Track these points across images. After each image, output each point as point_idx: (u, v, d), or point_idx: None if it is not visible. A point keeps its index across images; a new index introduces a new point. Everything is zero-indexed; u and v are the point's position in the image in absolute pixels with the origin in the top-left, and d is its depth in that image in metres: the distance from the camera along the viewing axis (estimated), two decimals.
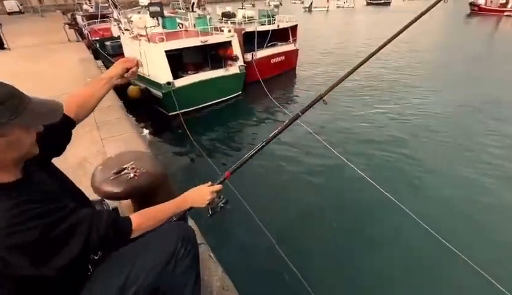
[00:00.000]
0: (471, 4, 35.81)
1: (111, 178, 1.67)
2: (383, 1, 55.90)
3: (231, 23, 11.93)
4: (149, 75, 8.29)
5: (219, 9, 14.45)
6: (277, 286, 3.12)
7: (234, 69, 9.36)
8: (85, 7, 20.60)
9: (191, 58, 9.43)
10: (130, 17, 10.74)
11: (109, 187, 1.63)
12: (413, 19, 1.46)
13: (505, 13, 31.39)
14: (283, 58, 12.12)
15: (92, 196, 1.72)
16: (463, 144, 6.43)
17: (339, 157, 3.30)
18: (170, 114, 8.25)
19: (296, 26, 12.65)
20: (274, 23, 11.86)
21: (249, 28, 10.77)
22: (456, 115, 8.00)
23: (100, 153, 3.10)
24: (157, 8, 9.57)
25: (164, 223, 1.09)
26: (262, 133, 7.76)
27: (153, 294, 1.03)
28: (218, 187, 1.25)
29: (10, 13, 30.00)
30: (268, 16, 11.85)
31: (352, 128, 7.34)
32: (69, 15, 23.91)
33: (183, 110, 8.07)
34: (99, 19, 15.61)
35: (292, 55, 12.77)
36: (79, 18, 18.73)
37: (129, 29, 9.99)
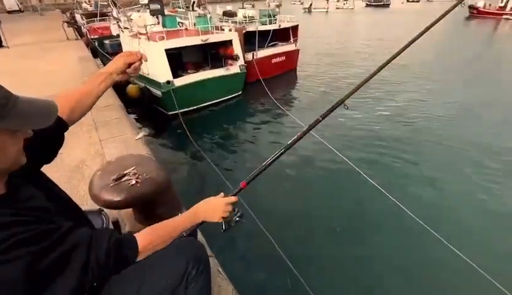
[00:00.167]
0: (470, 7, 35.93)
1: (111, 185, 1.53)
2: (382, 3, 56.01)
3: (232, 22, 11.82)
4: (148, 74, 8.16)
5: (219, 9, 14.33)
6: None
7: (234, 68, 9.24)
8: (84, 5, 20.46)
9: (191, 57, 9.32)
10: (130, 15, 10.60)
11: (108, 195, 1.49)
12: (431, 23, 1.37)
13: (504, 16, 31.51)
14: (284, 58, 12.02)
15: (90, 205, 1.59)
16: (466, 148, 6.32)
17: (347, 162, 3.17)
18: (170, 113, 8.13)
19: (297, 26, 12.57)
20: (275, 23, 11.78)
21: (250, 28, 10.68)
22: (457, 118, 7.92)
23: (98, 155, 2.96)
24: (158, 6, 9.44)
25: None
26: (264, 133, 7.64)
27: None
28: (233, 198, 1.10)
29: (9, 12, 29.82)
30: (269, 16, 11.75)
31: (361, 132, 7.13)
32: (68, 13, 23.73)
33: (183, 110, 7.94)
34: (98, 18, 15.45)
35: (293, 55, 12.67)
36: (78, 17, 18.56)
37: (128, 27, 9.86)
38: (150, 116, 8.41)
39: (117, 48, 10.75)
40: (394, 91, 10.08)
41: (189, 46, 8.49)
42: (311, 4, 47.30)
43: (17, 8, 30.95)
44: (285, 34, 12.21)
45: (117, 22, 11.03)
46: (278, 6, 13.42)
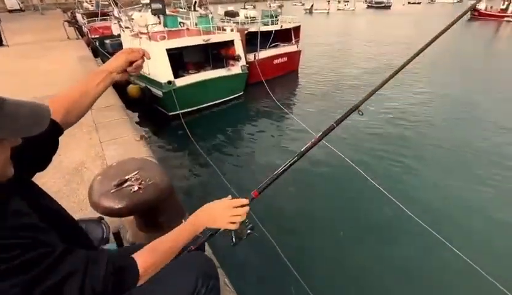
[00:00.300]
0: (472, 9, 35.90)
1: (112, 191, 1.45)
2: (383, 4, 56.03)
3: (234, 22, 11.76)
4: (149, 74, 8.09)
5: (221, 9, 14.28)
6: None
7: (236, 69, 9.17)
8: (85, 5, 20.43)
9: (192, 57, 9.26)
10: (131, 15, 10.54)
11: (109, 202, 1.41)
12: (445, 27, 1.32)
13: (505, 18, 31.51)
14: (285, 59, 11.95)
15: (90, 210, 1.51)
16: (469, 151, 6.24)
17: (353, 165, 3.09)
18: (171, 113, 8.06)
19: (299, 26, 12.50)
20: (277, 24, 11.71)
21: (252, 28, 10.61)
22: (460, 121, 7.84)
23: (98, 157, 2.87)
24: (159, 6, 9.38)
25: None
26: (266, 136, 7.54)
27: None
28: (243, 201, 0.96)
29: (10, 11, 29.80)
30: (271, 17, 11.69)
31: (367, 135, 6.95)
32: (69, 13, 23.69)
33: (184, 111, 7.87)
34: (99, 18, 15.42)
35: (295, 56, 12.60)
36: (79, 16, 18.52)
37: (130, 27, 9.80)
38: (151, 116, 8.34)
39: (117, 48, 10.66)
40: (397, 93, 10.01)
41: (190, 46, 8.42)
42: (312, 5, 47.37)
43: (18, 8, 30.93)
44: (287, 35, 12.15)
45: (118, 22, 10.97)
46: (280, 7, 13.35)
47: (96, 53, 11.32)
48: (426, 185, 5.16)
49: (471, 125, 7.54)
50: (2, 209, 0.58)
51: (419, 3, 66.92)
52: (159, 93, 7.84)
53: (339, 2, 55.51)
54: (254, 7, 15.52)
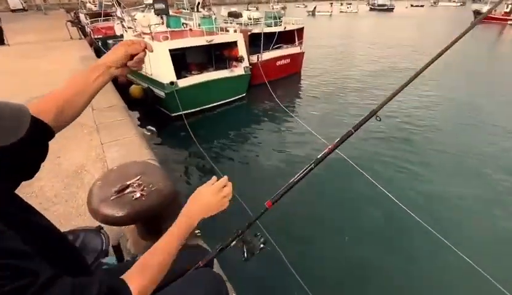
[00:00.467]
0: (475, 12, 35.86)
1: (112, 198, 1.36)
2: (386, 7, 56.02)
3: (237, 23, 11.71)
4: (151, 75, 8.03)
5: (224, 10, 14.25)
6: None
7: (239, 70, 9.11)
8: (88, 5, 20.46)
9: (195, 58, 9.20)
10: (134, 15, 10.51)
11: (109, 209, 1.31)
12: (461, 34, 1.26)
13: (509, 22, 31.47)
14: (288, 60, 11.88)
15: (89, 216, 1.42)
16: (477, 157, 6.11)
17: (361, 172, 2.98)
18: (173, 114, 8.00)
19: (302, 28, 12.44)
20: (281, 25, 11.65)
21: (255, 29, 10.56)
22: (464, 126, 7.72)
23: (99, 159, 2.78)
24: (162, 6, 9.32)
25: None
26: (270, 138, 7.44)
27: None
28: (225, 179, 0.90)
29: (13, 11, 29.93)
30: (275, 18, 11.63)
31: (376, 141, 6.75)
32: (72, 13, 23.76)
33: (186, 112, 7.80)
34: (102, 18, 15.43)
35: (298, 58, 12.53)
36: (82, 16, 18.57)
37: (132, 27, 9.76)
38: (153, 117, 8.27)
39: None
40: (403, 97, 9.90)
41: (193, 47, 8.37)
42: (315, 7, 47.43)
43: (21, 7, 31.07)
44: (290, 37, 12.09)
45: (121, 22, 10.95)
46: (283, 8, 13.30)
47: (98, 53, 11.27)
48: (434, 191, 5.05)
49: (477, 130, 7.43)
50: None
51: (422, 6, 66.96)
52: (162, 93, 7.78)
53: (341, 4, 55.63)
54: (257, 9, 15.50)
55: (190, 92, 8.00)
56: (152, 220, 1.44)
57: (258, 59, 10.33)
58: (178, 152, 6.82)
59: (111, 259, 1.08)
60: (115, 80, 8.18)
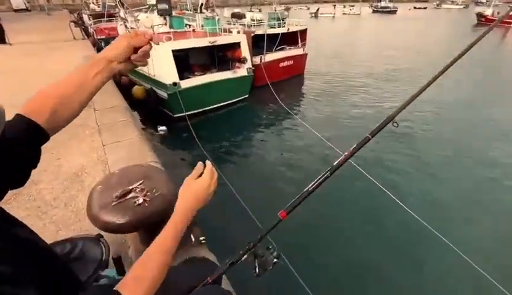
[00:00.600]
0: (478, 15, 35.77)
1: (113, 204, 1.28)
2: (388, 9, 55.98)
3: (240, 25, 11.68)
4: (154, 76, 7.99)
5: (227, 11, 14.23)
6: None
7: (242, 71, 9.06)
8: (92, 6, 20.55)
9: (198, 59, 9.15)
10: (137, 16, 10.50)
11: (110, 216, 1.24)
12: (474, 40, 1.23)
13: None
14: (292, 62, 11.83)
15: (88, 223, 1.34)
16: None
17: (371, 179, 2.88)
18: (175, 115, 7.95)
19: (305, 30, 12.40)
20: (284, 26, 11.60)
21: (259, 31, 10.51)
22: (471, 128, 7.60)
23: (100, 161, 2.71)
24: (166, 6, 9.31)
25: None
26: (274, 140, 7.35)
27: None
28: (209, 166, 0.84)
29: (16, 11, 30.08)
30: (278, 19, 11.59)
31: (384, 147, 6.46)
32: (75, 14, 23.86)
33: (189, 113, 7.75)
34: (105, 19, 15.46)
35: (301, 60, 12.48)
36: (85, 17, 18.64)
37: (135, 27, 9.73)
38: (155, 118, 8.22)
39: None
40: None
41: (196, 48, 8.33)
42: (317, 9, 47.50)
43: (24, 7, 31.22)
44: (293, 38, 12.04)
45: (124, 22, 10.92)
46: (287, 9, 13.26)
47: None
48: (452, 203, 4.81)
49: (487, 136, 7.15)
50: None
51: (425, 8, 66.88)
52: (164, 94, 7.74)
53: (344, 6, 55.59)
54: (260, 11, 15.47)
55: (193, 93, 7.95)
56: (155, 228, 1.36)
57: (261, 61, 10.29)
58: (180, 153, 6.75)
59: (111, 272, 1.01)
60: (118, 81, 8.15)
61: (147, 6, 12.44)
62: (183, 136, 7.21)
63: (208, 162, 0.85)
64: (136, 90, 7.97)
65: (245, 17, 12.47)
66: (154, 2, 10.16)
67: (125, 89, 7.70)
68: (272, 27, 11.19)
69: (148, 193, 1.35)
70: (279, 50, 11.36)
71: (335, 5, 53.73)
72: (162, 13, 9.55)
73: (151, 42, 0.77)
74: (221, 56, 9.37)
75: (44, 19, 22.31)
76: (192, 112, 8.03)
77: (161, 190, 1.39)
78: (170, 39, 7.65)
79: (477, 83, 12.01)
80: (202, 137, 6.66)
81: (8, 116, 0.51)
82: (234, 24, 11.74)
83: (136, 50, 0.75)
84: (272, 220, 0.94)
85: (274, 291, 2.98)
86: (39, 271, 0.51)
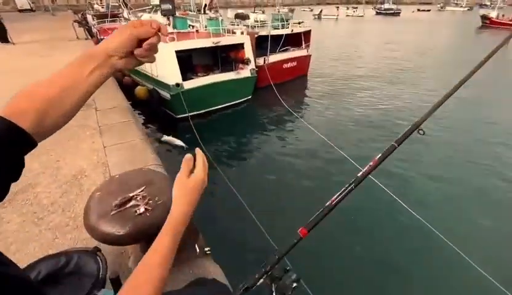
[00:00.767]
0: (483, 17, 35.58)
1: (112, 213, 1.18)
2: (392, 11, 55.82)
3: (244, 25, 11.62)
4: (157, 76, 7.93)
5: (230, 12, 14.17)
6: None
7: (245, 72, 8.97)
8: (96, 6, 20.64)
9: (201, 60, 9.08)
10: (140, 16, 10.46)
11: (108, 227, 1.14)
12: (497, 46, 1.24)
13: None
14: (295, 63, 11.74)
15: (85, 232, 1.24)
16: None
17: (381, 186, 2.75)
18: (178, 116, 7.88)
19: (309, 31, 12.33)
20: (288, 27, 11.52)
21: (263, 32, 10.44)
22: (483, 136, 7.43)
23: (100, 164, 2.61)
24: (169, 6, 9.26)
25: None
26: (278, 142, 7.21)
27: None
28: (199, 155, 0.74)
29: (21, 11, 30.29)
30: (282, 20, 11.51)
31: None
32: (79, 14, 23.96)
33: (192, 114, 7.67)
34: (109, 19, 15.48)
35: (304, 61, 12.39)
36: (89, 17, 18.70)
37: None
38: (158, 119, 8.15)
39: None
40: (413, 103, 9.67)
41: (199, 48, 8.26)
42: (321, 11, 47.48)
43: (29, 7, 31.44)
44: (297, 39, 11.96)
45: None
46: (291, 10, 13.20)
47: None
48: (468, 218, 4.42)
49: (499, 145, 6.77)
50: None
51: (428, 10, 66.69)
52: (167, 95, 7.67)
53: (348, 8, 55.56)
54: (263, 12, 15.42)
55: (196, 94, 7.88)
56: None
57: (264, 62, 10.23)
58: (183, 155, 6.63)
59: (107, 293, 0.91)
60: (120, 80, 8.09)
61: (150, 6, 12.43)
62: (185, 136, 7.11)
63: (198, 151, 0.74)
64: (139, 90, 7.91)
65: (248, 18, 12.41)
66: (158, 3, 10.13)
67: (127, 89, 7.64)
68: (276, 28, 11.12)
69: (150, 202, 1.25)
70: (283, 51, 11.28)
71: (338, 7, 53.70)
72: (165, 13, 9.51)
73: (159, 33, 0.61)
74: (224, 57, 9.30)
75: (48, 19, 22.42)
76: (195, 112, 7.95)
77: (164, 197, 1.29)
78: (173, 39, 7.59)
79: (495, 86, 11.68)
80: (204, 138, 6.57)
81: None
82: (238, 25, 11.69)
83: (140, 43, 0.61)
84: (289, 238, 0.83)
85: None
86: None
